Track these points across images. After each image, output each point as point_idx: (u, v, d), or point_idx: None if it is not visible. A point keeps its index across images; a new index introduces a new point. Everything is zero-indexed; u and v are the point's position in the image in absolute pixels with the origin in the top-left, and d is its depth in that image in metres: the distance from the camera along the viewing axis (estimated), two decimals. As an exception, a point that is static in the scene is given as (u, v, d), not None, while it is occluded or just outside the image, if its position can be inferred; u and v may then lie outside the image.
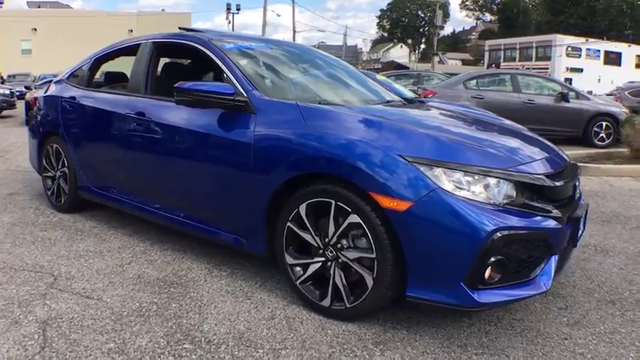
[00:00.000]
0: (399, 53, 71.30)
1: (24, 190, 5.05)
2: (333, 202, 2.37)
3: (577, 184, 2.72)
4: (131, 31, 34.31)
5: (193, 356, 2.14)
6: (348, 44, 65.98)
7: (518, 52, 47.18)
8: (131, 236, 3.68)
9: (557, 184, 2.36)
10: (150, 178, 3.41)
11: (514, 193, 2.22)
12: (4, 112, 14.46)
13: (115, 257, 3.26)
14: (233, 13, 42.88)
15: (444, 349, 2.23)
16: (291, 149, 2.51)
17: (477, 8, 74.22)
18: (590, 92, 13.97)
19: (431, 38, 49.76)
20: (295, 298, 2.65)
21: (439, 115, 3.08)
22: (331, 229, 2.41)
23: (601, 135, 9.58)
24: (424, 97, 8.66)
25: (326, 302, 2.47)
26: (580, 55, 43.54)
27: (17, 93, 16.13)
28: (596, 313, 2.62)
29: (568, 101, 9.64)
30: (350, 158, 2.30)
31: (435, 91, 9.81)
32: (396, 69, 36.93)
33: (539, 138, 2.96)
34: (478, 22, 79.77)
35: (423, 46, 73.59)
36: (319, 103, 2.83)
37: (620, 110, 9.71)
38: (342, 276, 2.40)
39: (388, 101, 3.42)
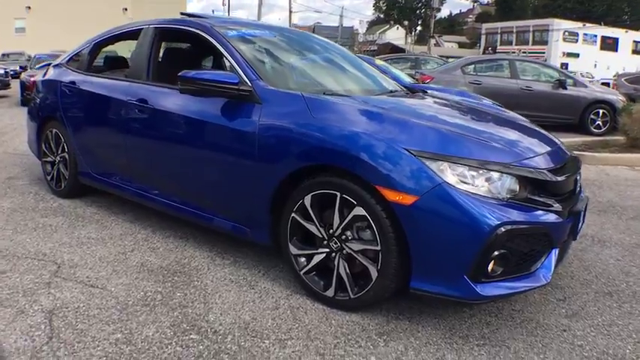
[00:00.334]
0: (396, 35, 70.73)
1: (23, 174, 5.02)
2: (338, 194, 2.38)
3: (578, 177, 2.75)
4: (125, 9, 33.68)
5: (200, 347, 2.16)
6: (344, 25, 65.48)
7: (515, 35, 46.86)
8: (132, 223, 3.69)
9: (560, 178, 2.39)
10: (151, 166, 3.41)
11: (517, 188, 2.24)
12: (-1, 92, 14.30)
13: (118, 244, 3.27)
14: (229, -7, 42.31)
15: (447, 340, 2.28)
16: (298, 140, 2.52)
17: (475, -9, 73.70)
18: (590, 76, 13.93)
19: (427, 20, 49.33)
20: (298, 288, 2.68)
21: (443, 107, 3.08)
22: (336, 220, 2.43)
23: (597, 122, 9.60)
24: (422, 82, 8.68)
25: (330, 292, 2.50)
26: (577, 40, 43.34)
27: (11, 72, 15.90)
28: (594, 304, 2.66)
29: (565, 88, 9.65)
30: (355, 151, 2.31)
31: (433, 76, 9.79)
32: (392, 51, 36.69)
33: (542, 130, 2.97)
34: (475, 4, 79.22)
35: (419, 28, 72.99)
36: (324, 93, 2.83)
37: (617, 98, 9.73)
38: (346, 267, 2.43)
39: (391, 91, 3.42)
